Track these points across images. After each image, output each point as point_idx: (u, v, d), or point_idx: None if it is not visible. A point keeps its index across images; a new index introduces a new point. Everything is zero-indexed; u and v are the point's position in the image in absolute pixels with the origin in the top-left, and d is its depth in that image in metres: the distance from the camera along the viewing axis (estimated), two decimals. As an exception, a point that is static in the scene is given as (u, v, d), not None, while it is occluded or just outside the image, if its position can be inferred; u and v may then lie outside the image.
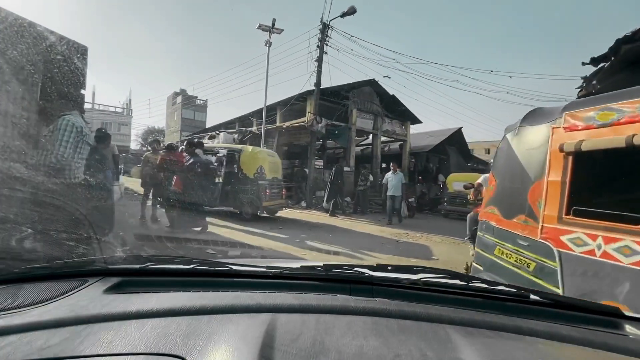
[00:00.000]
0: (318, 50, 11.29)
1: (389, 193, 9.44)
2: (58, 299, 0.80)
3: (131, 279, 0.95)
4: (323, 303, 0.82)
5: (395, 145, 20.20)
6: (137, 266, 0.99)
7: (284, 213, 8.96)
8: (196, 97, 48.10)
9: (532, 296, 0.89)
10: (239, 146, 7.50)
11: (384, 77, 14.51)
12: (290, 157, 19.02)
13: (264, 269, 0.98)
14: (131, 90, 53.86)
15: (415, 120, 18.81)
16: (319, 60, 11.31)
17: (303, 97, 13.03)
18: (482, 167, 24.24)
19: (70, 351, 0.61)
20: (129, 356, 0.61)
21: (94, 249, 1.33)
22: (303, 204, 11.03)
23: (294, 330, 0.68)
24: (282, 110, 13.58)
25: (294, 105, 13.96)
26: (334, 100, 14.85)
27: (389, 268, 1.08)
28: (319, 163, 14.15)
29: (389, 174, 9.68)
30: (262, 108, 13.82)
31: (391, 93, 16.79)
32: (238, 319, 0.73)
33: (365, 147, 20.94)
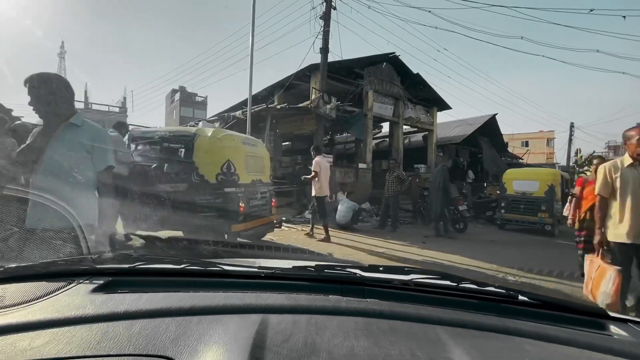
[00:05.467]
0: (324, 2, 8.21)
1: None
2: (43, 299, 0.79)
3: (120, 279, 0.93)
4: (314, 303, 0.82)
5: (418, 137, 17.10)
6: (127, 266, 0.99)
7: (278, 235, 5.92)
8: (196, 94, 45.62)
9: (520, 297, 0.90)
10: (192, 129, 4.39)
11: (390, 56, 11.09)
12: (293, 152, 16.03)
13: (255, 269, 0.99)
14: (126, 88, 51.26)
15: (444, 106, 15.60)
16: (326, 15, 8.24)
17: (306, 74, 9.99)
18: (517, 162, 20.99)
19: (55, 353, 0.60)
20: (117, 357, 0.60)
21: (81, 248, 1.29)
22: (307, 214, 7.99)
23: (285, 331, 0.68)
24: (279, 93, 10.58)
25: (295, 88, 10.97)
26: (345, 80, 11.77)
27: (381, 269, 1.10)
28: (328, 159, 11.05)
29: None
30: (258, 93, 10.87)
31: (415, 72, 13.58)
32: (229, 320, 0.72)
33: (380, 140, 17.88)
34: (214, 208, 3.93)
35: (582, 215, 4.04)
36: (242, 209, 4.04)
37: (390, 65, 13.25)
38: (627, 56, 29.99)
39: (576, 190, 4.24)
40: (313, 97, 8.25)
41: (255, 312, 0.76)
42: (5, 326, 0.67)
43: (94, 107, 34.65)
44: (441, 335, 0.70)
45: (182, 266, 0.99)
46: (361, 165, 12.09)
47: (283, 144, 16.17)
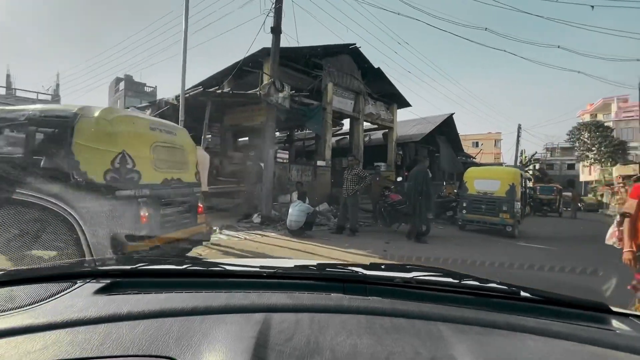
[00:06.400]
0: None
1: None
2: (46, 301, 0.79)
3: (122, 280, 0.93)
4: (317, 302, 0.82)
5: (378, 135, 16.72)
6: (129, 267, 1.00)
7: (207, 250, 4.81)
8: (144, 83, 41.81)
9: (522, 293, 0.90)
10: (73, 107, 3.13)
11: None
12: (250, 148, 14.73)
13: (257, 269, 0.99)
14: (59, 74, 45.33)
15: (404, 103, 15.32)
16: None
17: (259, 60, 8.87)
18: (472, 161, 21.61)
19: (58, 354, 0.60)
20: (120, 358, 0.60)
21: (84, 251, 1.29)
22: (256, 219, 6.93)
23: (287, 330, 0.67)
24: (228, 80, 9.32)
25: (248, 76, 9.77)
26: (302, 69, 10.85)
27: (383, 267, 1.10)
28: (284, 155, 10.05)
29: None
30: (205, 81, 9.46)
31: (376, 66, 13.05)
32: (231, 319, 0.72)
33: (341, 137, 17.26)
34: (102, 220, 2.74)
35: None
36: (143, 219, 2.90)
37: (350, 58, 12.57)
38: (587, 53, 32.15)
39: (630, 205, 2.62)
40: (262, 82, 7.18)
41: (258, 311, 0.76)
42: (10, 328, 0.67)
43: (19, 93, 30.07)
44: (444, 332, 0.70)
45: (184, 267, 1.01)
46: (320, 163, 11.25)
47: (241, 139, 14.86)
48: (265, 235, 5.80)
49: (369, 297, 0.85)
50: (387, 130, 15.58)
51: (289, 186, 9.52)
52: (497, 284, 0.94)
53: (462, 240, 7.21)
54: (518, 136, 25.05)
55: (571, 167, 38.50)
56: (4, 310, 0.74)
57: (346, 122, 15.40)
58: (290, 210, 5.76)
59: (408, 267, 1.07)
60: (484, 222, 8.00)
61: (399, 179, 11.15)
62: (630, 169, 20.77)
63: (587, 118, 33.18)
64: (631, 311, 0.88)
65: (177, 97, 6.32)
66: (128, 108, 9.25)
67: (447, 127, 17.79)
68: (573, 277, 2.95)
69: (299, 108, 10.58)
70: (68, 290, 0.84)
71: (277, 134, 18.41)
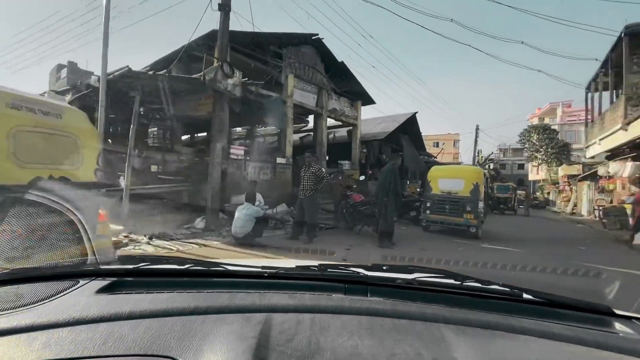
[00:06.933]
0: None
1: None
2: (49, 300, 0.79)
3: (124, 280, 0.93)
4: (318, 303, 0.81)
5: (343, 132, 16.24)
6: (131, 266, 0.99)
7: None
8: (92, 72, 38.02)
9: (524, 295, 0.89)
10: None
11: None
12: (198, 143, 13.47)
13: (259, 269, 0.98)
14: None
15: (368, 100, 14.94)
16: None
17: (209, 43, 7.83)
18: (434, 160, 21.95)
19: (60, 353, 0.60)
20: (122, 357, 0.59)
21: (86, 250, 1.30)
22: (199, 223, 5.98)
23: (289, 330, 0.67)
24: (173, 65, 8.18)
25: (198, 64, 8.67)
26: (259, 57, 9.95)
27: (384, 268, 1.11)
28: (238, 151, 9.12)
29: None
30: (149, 66, 8.19)
31: (340, 59, 12.48)
32: (233, 319, 0.72)
33: (306, 134, 16.56)
34: None
35: None
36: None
37: (313, 49, 11.88)
38: (550, 51, 33.78)
39: None
40: (207, 66, 6.22)
41: (259, 311, 0.75)
42: (13, 327, 0.67)
43: None
44: (445, 334, 0.70)
45: (186, 266, 1.00)
46: (279, 160, 10.44)
47: (199, 134, 13.55)
48: (205, 245, 4.90)
49: (370, 298, 0.85)
50: (351, 127, 15.12)
51: (245, 185, 8.62)
52: (499, 285, 0.94)
53: (427, 242, 6.81)
54: (476, 137, 26.03)
55: (521, 167, 41.15)
56: (7, 309, 0.74)
57: (312, 120, 14.74)
58: (236, 214, 4.92)
59: (410, 268, 1.07)
60: (447, 222, 7.71)
61: (362, 177, 10.67)
62: (574, 169, 22.35)
63: (536, 121, 35.50)
64: (634, 314, 0.87)
65: (99, 78, 5.19)
66: (44, 93, 7.77)
67: (410, 126, 17.78)
68: (573, 279, 2.74)
69: (256, 100, 9.68)
70: (70, 290, 0.84)
71: (239, 129, 17.36)
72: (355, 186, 8.13)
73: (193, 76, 6.39)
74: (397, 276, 0.96)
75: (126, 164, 5.44)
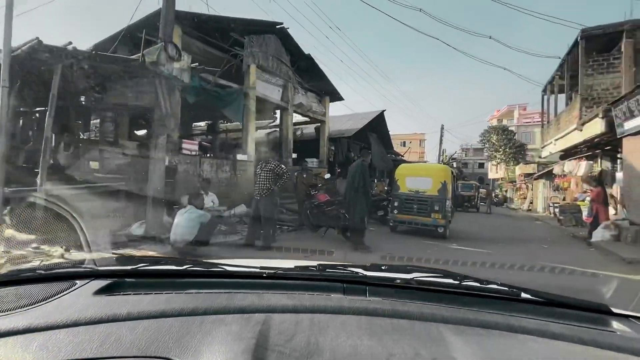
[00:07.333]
0: None
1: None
2: (47, 301, 0.79)
3: (123, 281, 0.93)
4: (317, 303, 0.81)
5: (310, 129, 15.70)
6: (129, 267, 0.99)
7: None
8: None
9: (523, 294, 0.90)
10: None
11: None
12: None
13: (257, 269, 0.98)
14: None
15: (337, 96, 14.51)
16: None
17: (156, 24, 6.87)
18: (401, 159, 22.09)
19: (58, 355, 0.59)
20: (120, 359, 0.59)
21: (84, 251, 1.29)
22: (137, 230, 5.11)
23: (287, 331, 0.67)
24: (116, 46, 7.15)
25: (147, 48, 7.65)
26: (217, 44, 9.09)
27: (383, 268, 1.10)
28: (191, 146, 8.25)
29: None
30: (94, 47, 7.01)
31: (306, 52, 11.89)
32: (231, 320, 0.71)
33: (272, 130, 15.81)
34: None
35: None
36: None
37: (278, 40, 11.17)
38: (516, 47, 35.16)
39: None
40: (146, 47, 5.34)
41: (258, 312, 0.75)
42: (11, 328, 0.66)
43: None
44: (444, 334, 0.70)
45: (184, 267, 0.99)
46: (240, 157, 9.65)
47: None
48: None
49: (369, 298, 0.85)
50: (319, 124, 14.62)
51: (199, 185, 7.79)
52: (498, 285, 0.94)
53: (395, 244, 6.46)
54: (441, 136, 26.67)
55: (481, 166, 43.22)
56: (5, 310, 0.73)
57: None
58: (175, 219, 4.16)
59: (408, 267, 1.07)
60: (415, 222, 7.42)
61: (327, 175, 10.18)
62: (530, 168, 23.59)
63: (495, 122, 37.33)
64: (632, 312, 0.88)
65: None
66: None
67: (378, 124, 17.65)
68: (570, 278, 2.75)
69: (213, 90, 8.84)
70: (69, 291, 0.84)
71: (202, 123, 16.20)
72: (320, 185, 7.60)
73: (130, 57, 5.48)
74: (395, 276, 0.96)
75: (41, 160, 4.46)
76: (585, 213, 10.76)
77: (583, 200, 11.77)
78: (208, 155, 9.37)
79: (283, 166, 5.35)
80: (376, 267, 1.06)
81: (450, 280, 0.93)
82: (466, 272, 1.01)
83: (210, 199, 6.47)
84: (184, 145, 8.05)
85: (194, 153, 8.21)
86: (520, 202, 23.80)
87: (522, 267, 2.97)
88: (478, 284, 0.92)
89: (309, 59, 12.09)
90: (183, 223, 4.10)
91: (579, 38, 10.20)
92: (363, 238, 5.60)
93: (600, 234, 7.31)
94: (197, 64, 7.82)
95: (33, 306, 0.75)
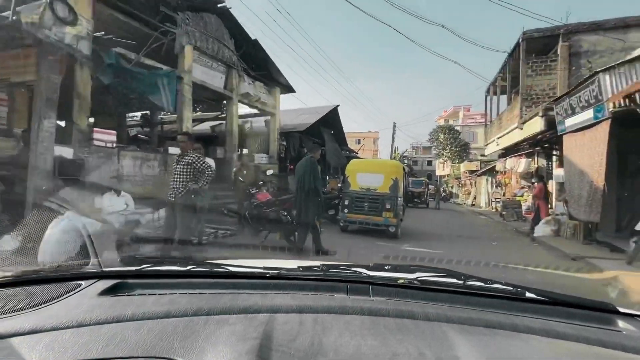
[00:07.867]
0: None
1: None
2: (52, 302, 0.79)
3: (127, 281, 0.92)
4: (321, 303, 0.81)
5: (260, 122, 14.68)
6: (134, 268, 0.99)
7: None
8: None
9: (527, 294, 0.89)
10: None
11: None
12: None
13: (261, 270, 0.98)
14: None
15: (288, 88, 13.66)
16: None
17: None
18: (355, 156, 21.95)
19: (63, 355, 0.59)
20: (125, 359, 0.59)
21: (88, 252, 1.24)
22: (8, 243, 3.88)
23: (291, 331, 0.67)
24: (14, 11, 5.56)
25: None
26: (141, 16, 7.73)
27: (386, 267, 1.10)
28: (107, 137, 6.88)
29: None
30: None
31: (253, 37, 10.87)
32: (235, 320, 0.72)
33: (218, 123, 14.50)
34: None
35: None
36: None
37: (219, 20, 10.01)
38: (472, 40, 35.98)
39: None
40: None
41: (262, 312, 0.75)
42: (17, 329, 0.67)
43: None
44: (448, 333, 0.70)
45: (188, 268, 1.00)
46: (173, 151, 8.40)
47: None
48: None
49: (373, 298, 0.85)
50: (269, 117, 13.68)
51: (116, 181, 6.48)
52: (502, 284, 0.94)
53: (344, 247, 5.87)
54: (393, 134, 27.15)
55: (430, 163, 45.40)
56: (11, 311, 0.74)
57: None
58: (46, 232, 3.06)
59: (412, 267, 1.08)
60: (366, 222, 6.95)
61: (270, 172, 9.36)
62: (473, 166, 24.99)
63: (442, 122, 39.31)
64: (638, 312, 0.87)
65: None
66: None
67: (332, 119, 17.15)
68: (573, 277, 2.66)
69: (136, 71, 7.50)
70: (74, 292, 0.85)
71: (139, 115, 14.30)
72: (261, 182, 6.76)
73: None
74: (399, 276, 0.96)
75: None
76: (524, 208, 11.29)
77: (522, 196, 12.40)
78: (131, 148, 7.96)
79: (206, 160, 4.44)
80: (379, 267, 1.06)
81: (454, 280, 0.94)
82: (467, 271, 0.99)
83: (123, 201, 5.29)
84: (95, 136, 6.65)
85: (109, 145, 6.84)
86: (465, 198, 25.12)
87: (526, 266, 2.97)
88: (482, 284, 0.92)
89: (255, 44, 11.08)
90: (55, 237, 2.99)
91: (520, 40, 10.56)
92: (320, 240, 4.98)
93: (541, 230, 7.48)
94: (111, 36, 6.49)
95: (39, 307, 0.76)
